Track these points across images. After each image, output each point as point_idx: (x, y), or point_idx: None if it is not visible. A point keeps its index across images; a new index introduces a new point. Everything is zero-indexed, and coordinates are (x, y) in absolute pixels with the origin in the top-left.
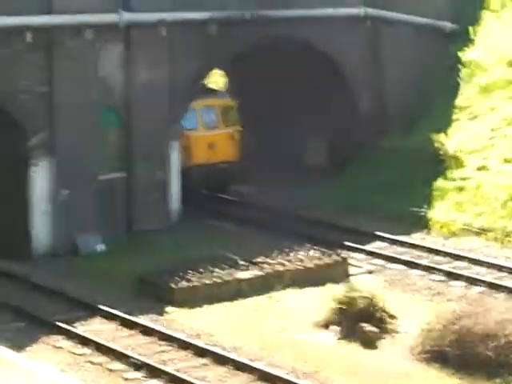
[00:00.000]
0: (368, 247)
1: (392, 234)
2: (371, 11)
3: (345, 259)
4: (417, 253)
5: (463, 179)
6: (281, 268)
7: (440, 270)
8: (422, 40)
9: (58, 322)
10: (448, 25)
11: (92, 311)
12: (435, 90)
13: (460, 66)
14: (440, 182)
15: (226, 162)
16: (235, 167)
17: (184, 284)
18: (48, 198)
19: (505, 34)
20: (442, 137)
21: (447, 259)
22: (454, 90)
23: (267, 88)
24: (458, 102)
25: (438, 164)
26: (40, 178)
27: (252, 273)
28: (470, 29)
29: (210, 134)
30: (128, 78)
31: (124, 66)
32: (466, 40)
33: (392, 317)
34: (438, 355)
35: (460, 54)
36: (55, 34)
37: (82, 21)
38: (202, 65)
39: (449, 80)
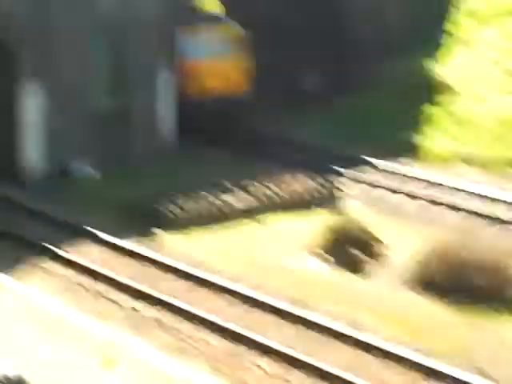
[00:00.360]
0: (356, 173)
1: (378, 159)
2: None
3: (333, 184)
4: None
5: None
6: (270, 193)
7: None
8: None
9: (45, 243)
10: None
11: (78, 234)
12: (427, 14)
13: None
14: (433, 110)
15: (237, 93)
16: (246, 99)
17: (174, 209)
18: (40, 122)
19: None
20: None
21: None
22: (445, 15)
23: (263, 17)
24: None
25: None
26: (32, 103)
27: (242, 197)
28: None
29: (219, 64)
30: None
31: None
32: None
33: (383, 244)
34: (429, 284)
35: None
36: None
37: None
38: None
39: (441, 4)
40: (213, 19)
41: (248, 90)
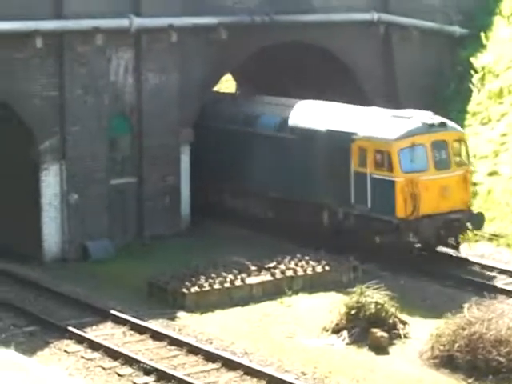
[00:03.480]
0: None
1: None
2: (384, 16)
3: (356, 265)
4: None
5: (474, 184)
6: (292, 273)
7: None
8: (432, 45)
9: (69, 326)
10: (458, 29)
11: (103, 316)
12: (447, 95)
13: (472, 72)
14: None
15: (459, 210)
16: (468, 217)
17: (195, 289)
18: (58, 202)
19: None
20: None
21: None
22: (465, 95)
23: (278, 94)
24: (470, 107)
25: None
26: (50, 183)
27: (263, 278)
28: (482, 34)
29: (442, 177)
30: (138, 83)
31: (134, 72)
32: (477, 45)
33: (403, 322)
34: (447, 360)
35: (472, 59)
36: (66, 38)
37: (93, 26)
38: (212, 70)
39: (460, 85)
40: (437, 124)
41: (470, 207)
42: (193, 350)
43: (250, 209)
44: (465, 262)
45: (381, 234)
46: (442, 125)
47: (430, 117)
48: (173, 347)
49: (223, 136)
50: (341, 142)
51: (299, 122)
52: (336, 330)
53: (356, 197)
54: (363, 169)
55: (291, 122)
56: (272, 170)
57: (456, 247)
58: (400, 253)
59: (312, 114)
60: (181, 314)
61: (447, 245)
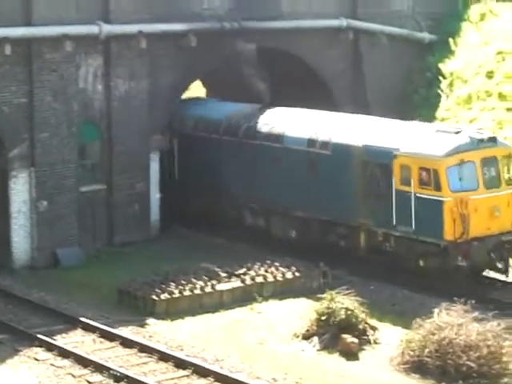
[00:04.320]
0: None
1: None
2: (352, 23)
3: (325, 270)
4: None
5: None
6: (262, 279)
7: None
8: (401, 51)
9: (39, 334)
10: (426, 35)
11: (73, 323)
12: (416, 101)
13: (440, 78)
14: None
15: (509, 232)
16: None
17: (165, 296)
18: (28, 209)
19: (484, 46)
20: None
21: None
22: (434, 101)
23: (249, 100)
24: (439, 113)
25: None
26: (20, 190)
27: (233, 284)
28: (451, 40)
29: (492, 196)
30: (107, 90)
31: (104, 78)
32: (446, 51)
33: (373, 328)
34: (418, 366)
35: (440, 65)
36: (35, 45)
37: (62, 32)
38: (182, 77)
39: (429, 91)
40: (487, 141)
41: None
42: (163, 356)
43: (273, 228)
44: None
45: (426, 258)
46: (492, 140)
47: (478, 132)
48: (143, 354)
49: (244, 150)
50: (380, 159)
51: (332, 137)
52: (306, 336)
53: (398, 217)
54: (406, 187)
55: (323, 136)
56: (299, 187)
57: (505, 272)
58: (446, 277)
59: (346, 128)
60: (151, 321)
61: (496, 269)
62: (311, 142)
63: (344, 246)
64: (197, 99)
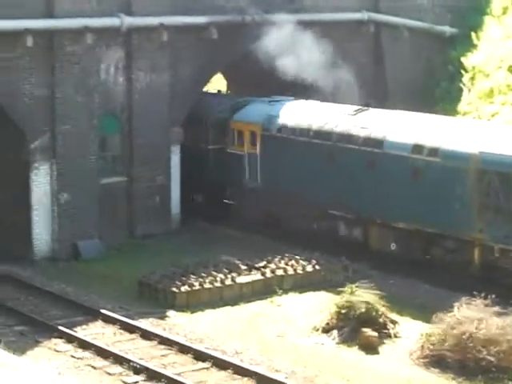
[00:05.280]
0: None
1: None
2: (374, 16)
3: (346, 264)
4: None
5: None
6: (282, 272)
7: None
8: (423, 44)
9: (60, 325)
10: (448, 29)
11: (93, 315)
12: (437, 94)
13: (462, 71)
14: None
15: None
16: None
17: (185, 288)
18: (49, 201)
19: (506, 39)
20: None
21: None
22: (456, 95)
23: (270, 92)
24: (460, 107)
25: None
26: (41, 182)
27: (253, 277)
28: (473, 34)
29: None
30: (129, 82)
31: (125, 71)
32: (468, 45)
33: (393, 322)
34: (437, 360)
35: (462, 58)
36: (56, 37)
37: (83, 25)
38: (203, 69)
39: (451, 85)
40: None
41: None
42: (183, 349)
43: (371, 240)
44: None
45: None
46: None
47: None
48: (163, 346)
49: (338, 155)
50: (501, 167)
51: (442, 142)
52: (326, 330)
53: None
54: None
55: (431, 141)
56: (400, 196)
57: None
58: None
59: (458, 133)
60: (171, 313)
61: None
62: (417, 148)
63: (451, 261)
64: (283, 99)
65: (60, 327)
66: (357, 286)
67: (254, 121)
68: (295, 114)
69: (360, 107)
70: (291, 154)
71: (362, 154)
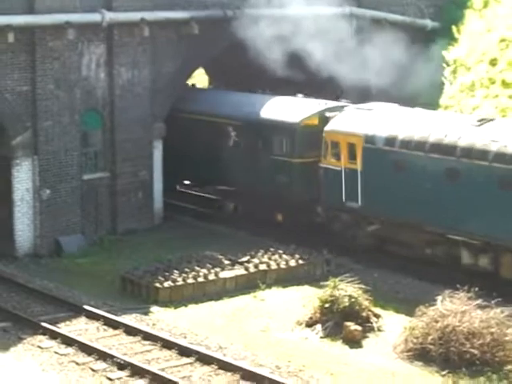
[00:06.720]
0: None
1: None
2: (355, 10)
3: (329, 258)
4: None
5: None
6: (265, 267)
7: None
8: (404, 38)
9: (43, 322)
10: (429, 23)
11: (76, 311)
12: (419, 88)
13: (444, 65)
14: None
15: None
16: None
17: (168, 283)
18: (31, 197)
19: (487, 33)
20: None
21: None
22: (437, 88)
23: (251, 86)
24: (442, 100)
25: None
26: (23, 178)
27: (236, 272)
28: (454, 27)
29: None
30: (110, 77)
31: (106, 66)
32: (449, 38)
33: (376, 315)
34: (421, 353)
35: (444, 52)
36: (37, 33)
37: (64, 20)
38: (185, 64)
39: (432, 79)
40: None
41: None
42: (166, 344)
43: (503, 270)
44: None
45: None
46: None
47: None
48: (146, 342)
49: (462, 172)
50: None
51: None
52: (310, 324)
53: None
54: None
55: (494, 145)
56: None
57: None
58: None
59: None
60: (154, 309)
61: None
62: (469, 151)
63: None
64: (388, 107)
65: (43, 323)
66: (340, 280)
67: (353, 131)
68: (403, 123)
69: (483, 117)
70: (401, 171)
71: (495, 171)
